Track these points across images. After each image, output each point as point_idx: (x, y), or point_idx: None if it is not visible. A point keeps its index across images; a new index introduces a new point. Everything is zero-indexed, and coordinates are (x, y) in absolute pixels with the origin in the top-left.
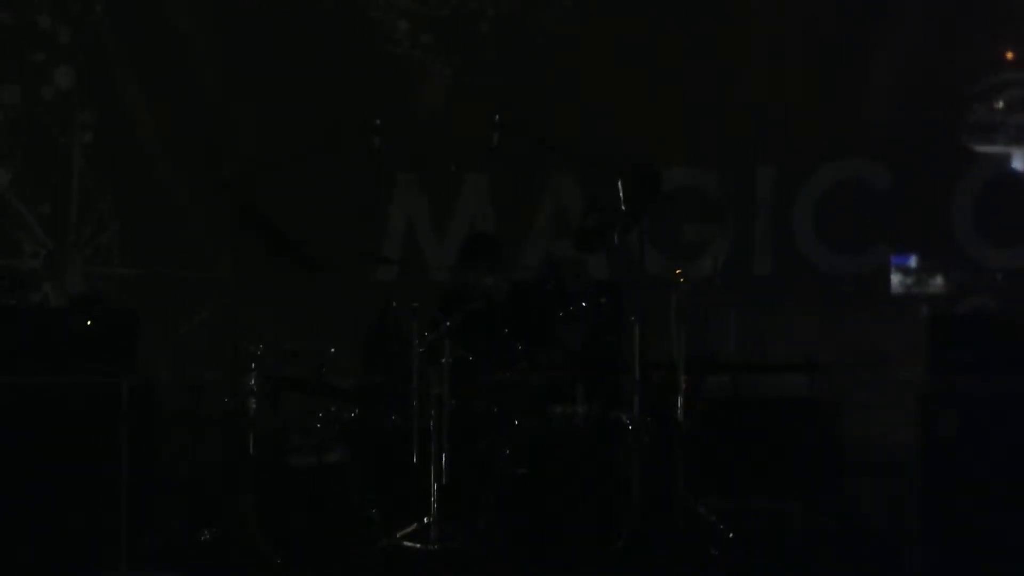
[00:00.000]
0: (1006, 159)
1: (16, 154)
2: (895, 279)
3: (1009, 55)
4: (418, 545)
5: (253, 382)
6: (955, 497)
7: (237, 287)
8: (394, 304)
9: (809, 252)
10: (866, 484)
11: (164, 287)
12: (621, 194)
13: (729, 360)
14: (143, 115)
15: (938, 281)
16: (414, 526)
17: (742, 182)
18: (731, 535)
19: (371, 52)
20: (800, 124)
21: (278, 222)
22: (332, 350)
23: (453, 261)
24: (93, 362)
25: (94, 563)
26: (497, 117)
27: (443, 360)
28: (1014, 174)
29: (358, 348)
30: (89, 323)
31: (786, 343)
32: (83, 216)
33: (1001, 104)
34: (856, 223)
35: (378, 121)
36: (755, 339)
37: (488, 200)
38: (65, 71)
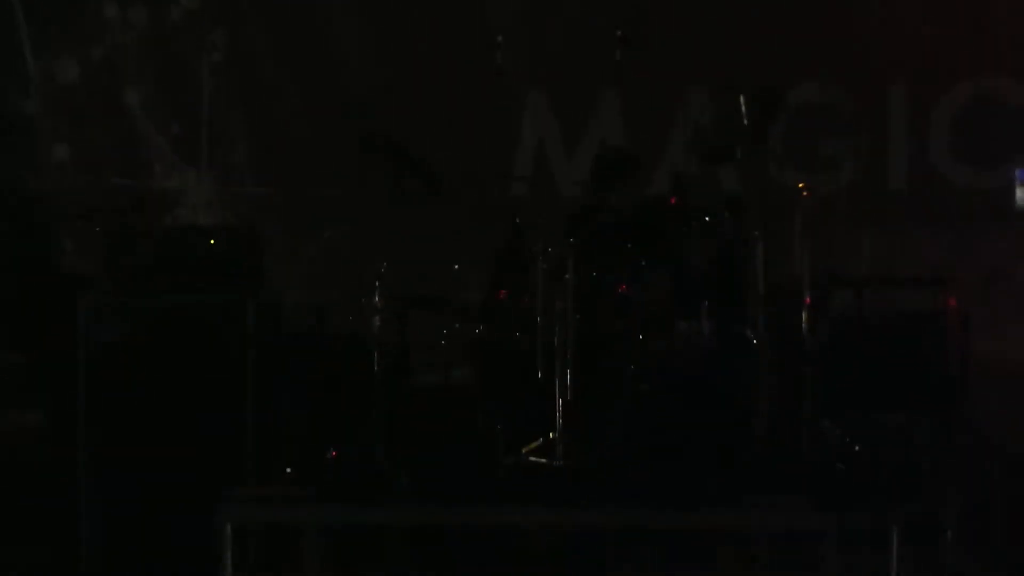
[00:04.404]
0: None
1: (145, 75)
2: (1021, 194)
3: None
4: (543, 460)
5: (378, 300)
6: None
7: (363, 206)
8: (518, 221)
9: (942, 167)
10: (993, 400)
11: (293, 207)
12: (744, 111)
13: (855, 275)
14: (268, 36)
15: None
16: (539, 442)
17: (875, 98)
18: (857, 449)
19: None
20: (933, 40)
21: (403, 142)
22: (456, 267)
23: (584, 176)
24: (220, 282)
25: (222, 480)
26: (619, 33)
27: (567, 277)
28: None
29: (483, 265)
30: (213, 242)
31: (916, 258)
32: (213, 137)
33: None
34: (989, 139)
35: (500, 38)
36: (886, 255)
37: (619, 116)
38: None
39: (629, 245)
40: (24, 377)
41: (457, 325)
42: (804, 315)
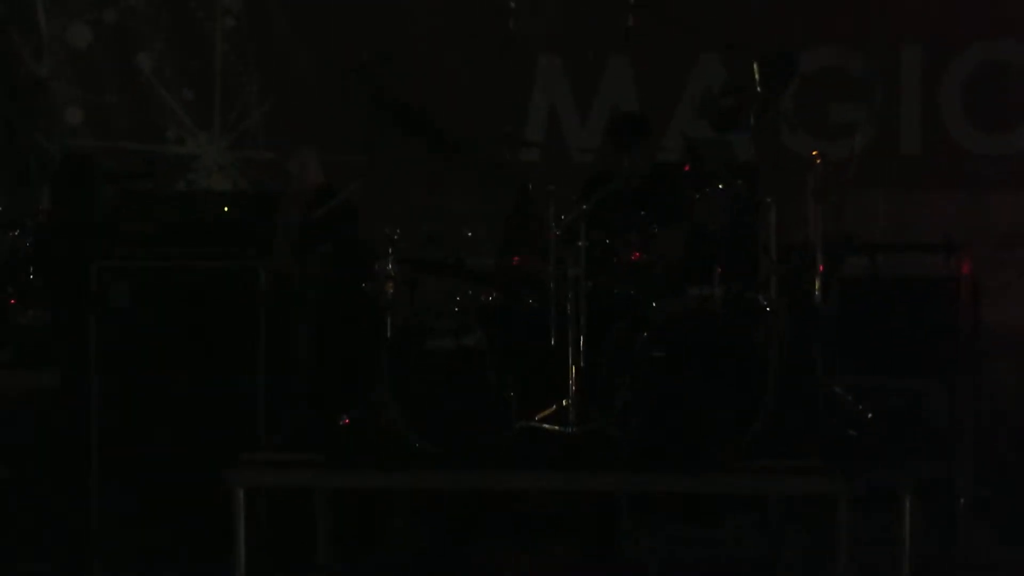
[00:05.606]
0: None
1: (158, 39)
2: None
3: None
4: (556, 427)
5: (390, 266)
6: None
7: (374, 171)
8: (530, 187)
9: (956, 132)
10: (1004, 365)
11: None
12: (757, 76)
13: (867, 240)
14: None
15: None
16: (552, 408)
17: (888, 61)
18: (869, 415)
19: None
20: (946, 2)
21: (414, 106)
22: (469, 233)
23: (597, 142)
24: (233, 247)
25: (233, 445)
26: None
27: (579, 242)
28: None
29: (495, 231)
30: (227, 208)
31: (929, 223)
32: (226, 101)
33: None
34: (1003, 102)
35: (513, 3)
36: (899, 219)
37: (631, 82)
38: None
39: (642, 211)
40: (46, 336)
41: (469, 291)
42: (817, 280)
